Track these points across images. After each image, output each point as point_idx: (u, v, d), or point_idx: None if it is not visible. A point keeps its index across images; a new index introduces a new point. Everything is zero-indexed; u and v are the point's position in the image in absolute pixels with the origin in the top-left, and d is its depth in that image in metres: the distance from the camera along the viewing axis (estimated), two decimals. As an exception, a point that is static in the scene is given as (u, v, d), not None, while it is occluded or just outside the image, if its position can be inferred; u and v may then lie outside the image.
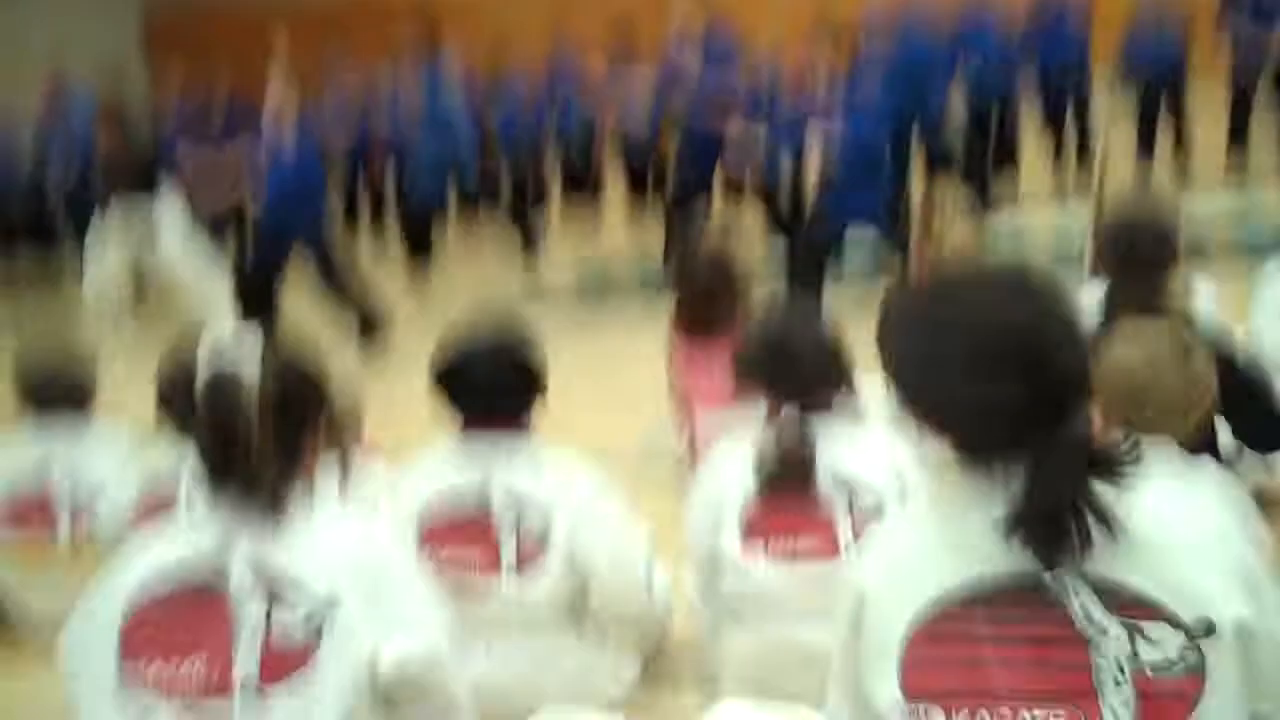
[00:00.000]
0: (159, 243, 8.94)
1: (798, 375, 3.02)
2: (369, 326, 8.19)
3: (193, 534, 2.13)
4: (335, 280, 8.17)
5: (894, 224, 7.39)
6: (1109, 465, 1.62)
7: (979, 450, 1.67)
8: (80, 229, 10.33)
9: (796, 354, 3.06)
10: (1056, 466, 1.61)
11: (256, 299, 8.28)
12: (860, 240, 7.65)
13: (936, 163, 10.65)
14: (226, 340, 2.18)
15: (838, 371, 3.09)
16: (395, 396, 4.76)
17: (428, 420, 3.14)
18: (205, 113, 13.82)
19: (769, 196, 9.49)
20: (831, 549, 2.86)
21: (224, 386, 2.11)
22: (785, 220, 9.25)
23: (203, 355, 2.14)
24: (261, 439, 2.10)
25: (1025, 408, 1.62)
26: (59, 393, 3.79)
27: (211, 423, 2.12)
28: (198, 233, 9.20)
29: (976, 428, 1.67)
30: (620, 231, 11.12)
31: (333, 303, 8.19)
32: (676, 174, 9.95)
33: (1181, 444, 2.57)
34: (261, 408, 2.10)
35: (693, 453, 4.26)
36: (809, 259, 7.45)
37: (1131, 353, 2.65)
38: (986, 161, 11.65)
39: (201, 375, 2.13)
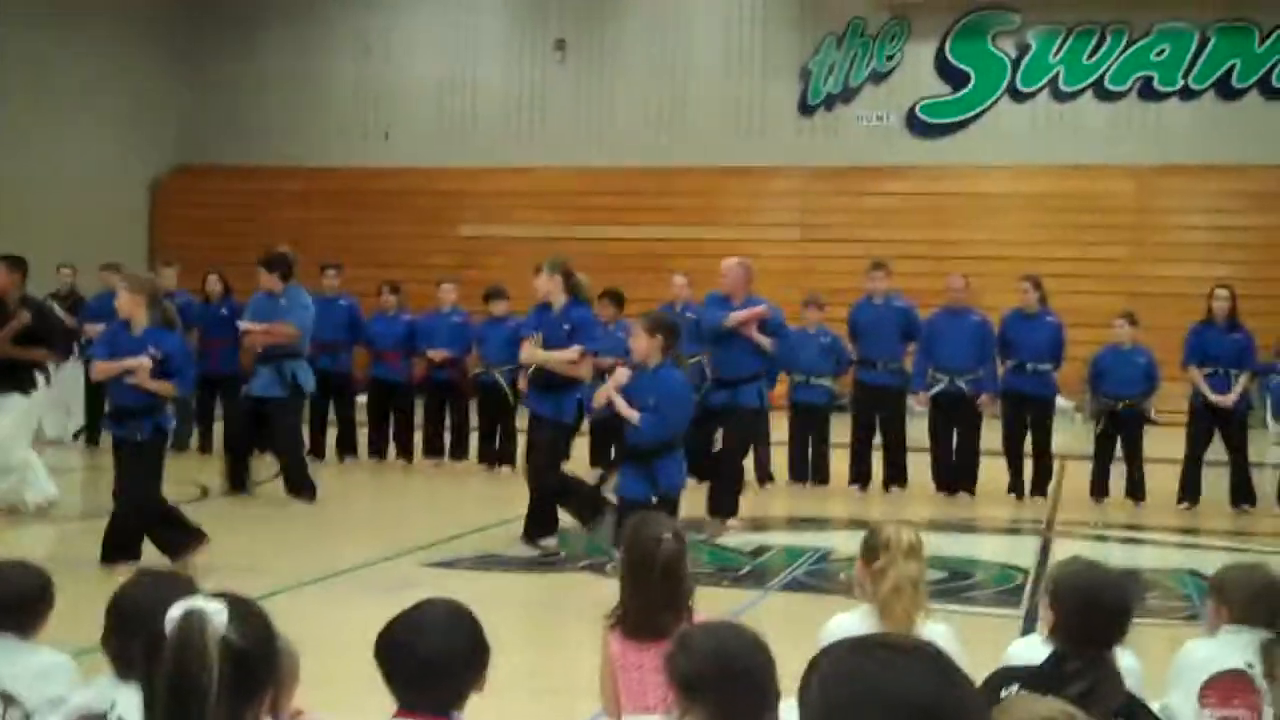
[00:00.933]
0: None
1: (746, 698, 2.96)
2: None
3: None
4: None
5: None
6: None
7: None
8: None
9: (745, 674, 2.99)
10: None
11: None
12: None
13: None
14: (196, 600, 2.23)
15: (774, 695, 3.08)
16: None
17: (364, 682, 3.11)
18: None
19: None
20: None
21: (192, 649, 2.16)
22: None
23: (171, 613, 2.20)
24: (218, 704, 2.15)
25: None
26: (8, 612, 3.74)
27: (175, 684, 2.15)
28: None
29: None
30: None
31: None
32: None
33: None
34: (222, 673, 2.16)
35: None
36: None
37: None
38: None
39: (169, 632, 2.18)
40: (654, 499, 7.32)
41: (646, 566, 4.16)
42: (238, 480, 11.49)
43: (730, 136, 22.75)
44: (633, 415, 7.34)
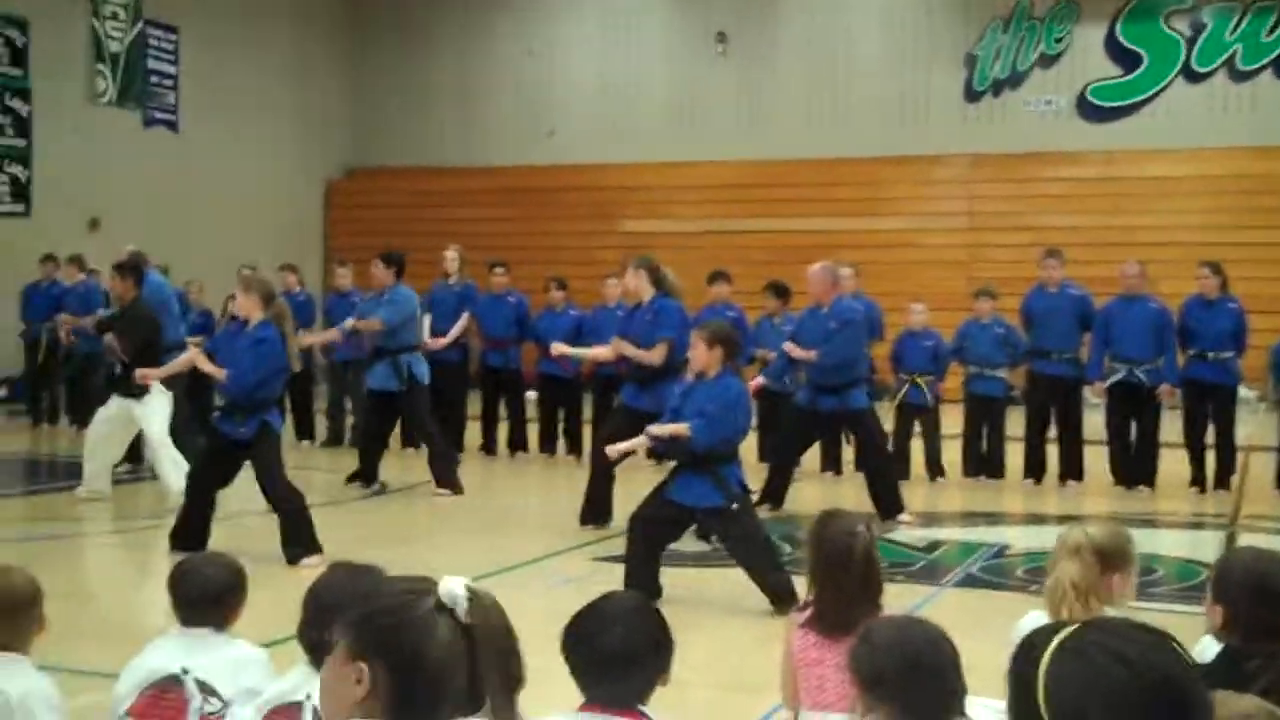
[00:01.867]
0: None
1: (931, 694, 2.95)
2: None
3: None
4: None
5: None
6: None
7: None
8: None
9: (930, 669, 2.98)
10: None
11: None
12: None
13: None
14: (460, 579, 2.21)
15: (960, 692, 3.04)
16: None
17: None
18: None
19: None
20: None
21: (492, 626, 2.14)
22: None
23: (452, 589, 2.15)
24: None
25: None
26: (205, 606, 3.88)
27: (501, 655, 2.15)
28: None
29: None
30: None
31: None
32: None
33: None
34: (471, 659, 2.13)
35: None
36: None
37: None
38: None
39: (462, 611, 2.14)
40: (732, 505, 7.33)
41: (842, 561, 4.09)
42: (366, 475, 11.60)
43: (894, 125, 22.50)
44: (680, 430, 7.37)
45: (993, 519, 10.76)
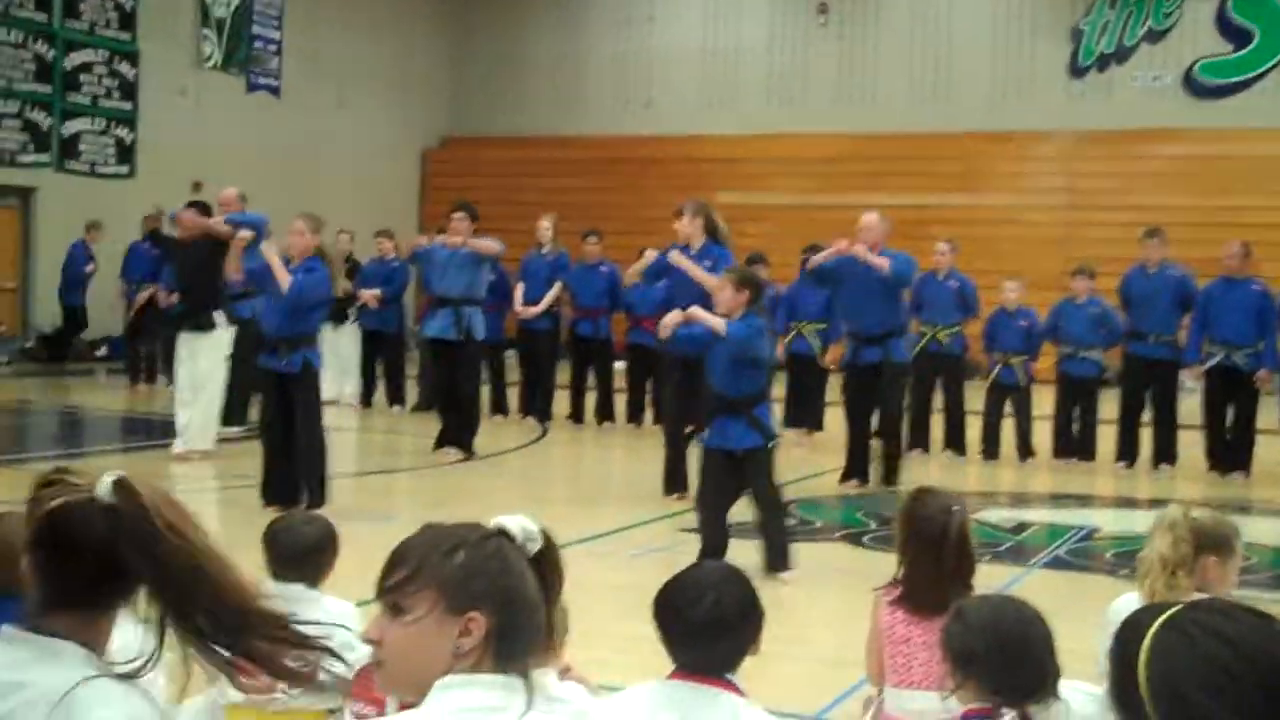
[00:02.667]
0: None
1: (1023, 672, 2.93)
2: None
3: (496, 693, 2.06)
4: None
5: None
6: None
7: None
8: None
9: (1022, 648, 2.96)
10: None
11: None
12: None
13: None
14: (519, 523, 2.23)
15: (1053, 671, 3.03)
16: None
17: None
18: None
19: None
20: None
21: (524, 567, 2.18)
22: None
23: (527, 527, 2.22)
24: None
25: None
26: (297, 563, 3.96)
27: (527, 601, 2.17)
28: None
29: None
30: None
31: None
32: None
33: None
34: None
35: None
36: None
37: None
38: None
39: (534, 550, 2.20)
40: (769, 445, 7.46)
41: (935, 540, 4.03)
42: (447, 438, 11.58)
43: (997, 100, 22.22)
44: (719, 323, 7.49)
45: (1083, 501, 10.64)
